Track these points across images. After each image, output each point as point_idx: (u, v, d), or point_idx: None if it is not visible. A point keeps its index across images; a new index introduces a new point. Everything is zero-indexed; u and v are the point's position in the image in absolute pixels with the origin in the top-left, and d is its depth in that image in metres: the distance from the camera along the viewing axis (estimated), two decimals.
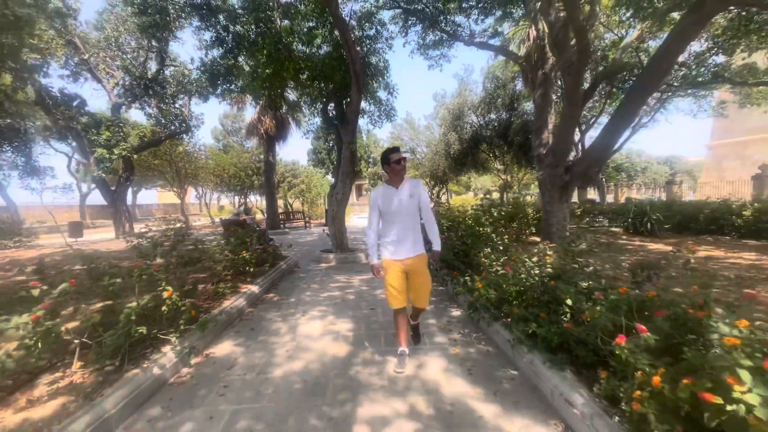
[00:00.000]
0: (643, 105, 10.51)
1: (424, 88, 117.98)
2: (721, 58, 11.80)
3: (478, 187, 42.75)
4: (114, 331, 2.66)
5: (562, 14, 6.93)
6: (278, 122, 15.53)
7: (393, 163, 2.92)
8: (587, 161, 7.21)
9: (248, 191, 22.61)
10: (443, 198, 27.09)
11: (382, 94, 11.48)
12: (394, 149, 3.00)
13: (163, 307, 3.12)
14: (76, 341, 2.68)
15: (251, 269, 5.69)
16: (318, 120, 13.03)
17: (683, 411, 1.56)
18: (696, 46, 12.10)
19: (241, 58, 10.29)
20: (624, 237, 9.35)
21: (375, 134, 15.01)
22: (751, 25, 8.15)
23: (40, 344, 2.35)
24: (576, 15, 5.82)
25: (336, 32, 8.35)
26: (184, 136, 13.93)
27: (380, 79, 10.93)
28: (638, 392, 1.71)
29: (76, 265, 5.84)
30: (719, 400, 1.44)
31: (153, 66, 12.43)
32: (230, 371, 2.99)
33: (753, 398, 1.39)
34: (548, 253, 3.93)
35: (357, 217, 23.41)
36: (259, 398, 2.58)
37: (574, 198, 24.88)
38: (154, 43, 11.63)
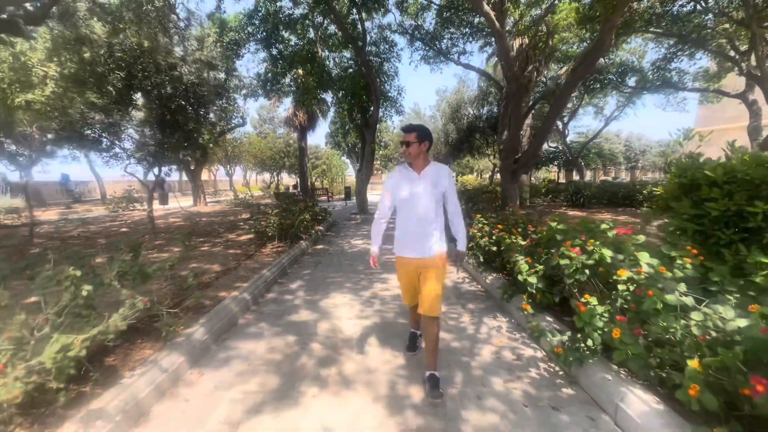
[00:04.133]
0: (555, 121, 13.92)
1: (431, 82, 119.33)
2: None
3: (480, 168, 46.18)
4: (291, 228, 6.76)
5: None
6: (309, 115, 19.34)
7: (400, 143, 2.43)
8: (527, 157, 11.02)
9: (281, 170, 26.72)
10: None
11: (392, 94, 15.31)
12: (403, 127, 2.45)
13: (304, 223, 7.19)
14: (270, 233, 6.78)
15: (318, 218, 9.76)
16: (332, 111, 17.08)
17: None
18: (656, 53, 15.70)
19: (287, 77, 14.06)
20: (563, 209, 13.19)
21: (386, 121, 18.53)
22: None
23: (269, 231, 6.46)
24: (511, 67, 9.55)
25: (360, 54, 12.09)
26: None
27: (391, 83, 14.76)
28: None
29: (206, 217, 10.00)
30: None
31: (222, 75, 16.22)
32: (329, 253, 7.06)
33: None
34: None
35: (370, 193, 27.59)
36: (342, 258, 6.64)
37: (562, 179, 28.46)
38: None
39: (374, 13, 12.36)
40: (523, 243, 3.88)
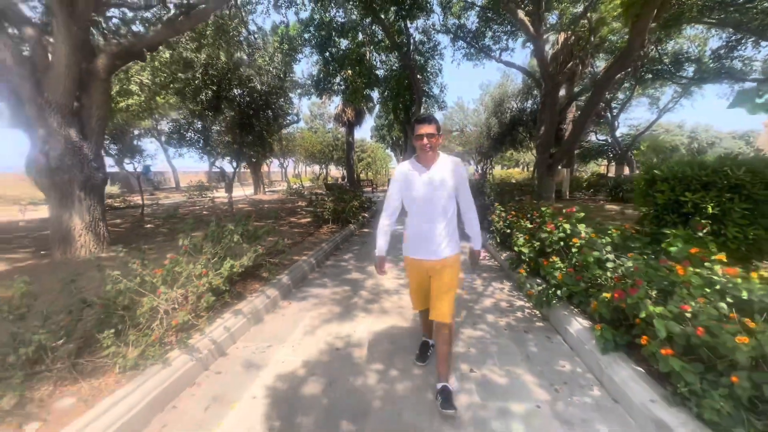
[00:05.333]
0: (590, 117, 13.89)
1: (475, 75, 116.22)
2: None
3: (526, 161, 45.37)
4: (342, 213, 8.10)
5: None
6: (357, 112, 20.78)
7: (415, 137, 2.15)
8: (561, 151, 11.52)
9: (329, 163, 28.66)
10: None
11: (435, 91, 16.22)
12: (422, 118, 2.16)
13: (353, 209, 8.51)
14: (326, 217, 8.16)
15: (365, 206, 11.08)
16: (378, 107, 18.33)
17: None
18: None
19: (338, 77, 15.44)
20: (600, 202, 13.43)
21: (434, 113, 19.56)
22: None
23: (325, 215, 7.84)
24: (546, 67, 10.13)
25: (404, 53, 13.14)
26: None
27: (434, 80, 15.65)
28: None
29: (268, 204, 11.66)
30: None
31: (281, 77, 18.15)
32: (372, 235, 8.31)
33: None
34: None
35: None
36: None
37: (612, 173, 27.62)
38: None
39: (419, 16, 13.32)
40: (530, 226, 4.83)
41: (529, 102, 22.09)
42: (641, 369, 2.28)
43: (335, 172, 35.76)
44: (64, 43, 4.63)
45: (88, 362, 2.31)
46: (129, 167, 18.95)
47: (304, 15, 12.99)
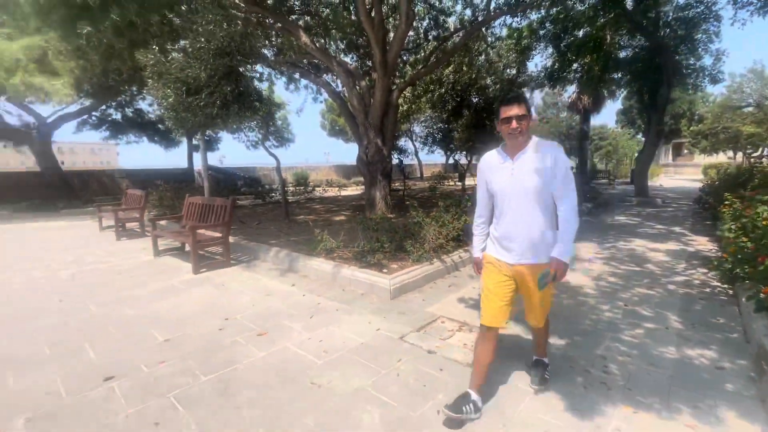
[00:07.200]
0: None
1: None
2: None
3: None
4: None
5: None
6: (594, 98, 19.41)
7: (501, 121, 1.89)
8: None
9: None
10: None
11: (707, 61, 13.47)
12: (510, 98, 1.91)
13: None
14: None
15: (587, 196, 11.25)
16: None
17: None
18: None
19: (574, 65, 15.24)
20: None
21: (704, 87, 15.70)
22: None
23: None
24: None
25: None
26: None
27: (704, 50, 13.04)
28: None
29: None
30: None
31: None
32: (588, 222, 8.78)
33: None
34: None
35: (665, 176, 23.80)
36: (599, 226, 8.24)
37: None
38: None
39: None
40: None
41: None
42: None
43: (570, 161, 33.55)
44: (380, 89, 7.90)
45: (400, 254, 4.87)
46: (395, 161, 25.16)
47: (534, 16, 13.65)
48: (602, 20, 13.83)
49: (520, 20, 12.87)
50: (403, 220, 5.14)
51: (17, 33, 8.86)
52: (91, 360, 2.79)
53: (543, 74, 17.59)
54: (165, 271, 5.23)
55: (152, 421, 2.08)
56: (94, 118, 16.41)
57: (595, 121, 30.29)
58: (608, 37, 13.25)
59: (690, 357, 2.66)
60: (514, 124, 1.83)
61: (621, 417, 2.03)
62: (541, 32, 15.10)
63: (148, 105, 16.79)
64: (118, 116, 16.97)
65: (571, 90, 19.83)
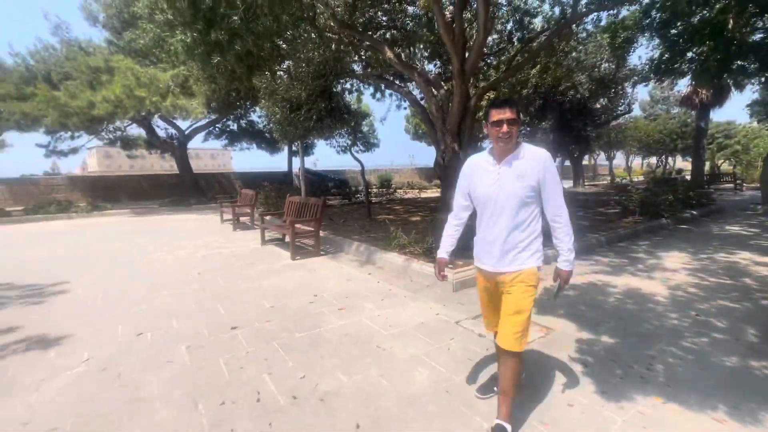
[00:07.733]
0: None
1: None
2: None
3: None
4: (651, 206, 8.36)
5: None
6: (715, 91, 16.74)
7: (491, 124, 1.86)
8: None
9: (669, 154, 24.36)
10: None
11: None
12: (500, 102, 1.88)
13: (666, 202, 8.49)
14: (632, 207, 8.60)
15: (692, 201, 9.98)
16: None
17: None
18: None
19: (688, 55, 13.49)
20: None
21: None
22: None
23: (630, 205, 8.42)
24: None
25: None
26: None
27: None
28: None
29: (582, 196, 12.56)
30: None
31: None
32: (689, 230, 7.93)
33: None
34: None
35: None
36: (700, 236, 7.41)
37: None
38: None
39: None
40: None
41: None
42: None
43: (684, 163, 29.33)
44: (458, 95, 8.26)
45: (466, 252, 5.23)
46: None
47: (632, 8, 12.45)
48: (723, 2, 12.04)
49: (616, 14, 11.94)
50: (470, 222, 5.49)
51: (169, 66, 11.30)
52: (221, 315, 3.82)
53: (648, 67, 15.91)
54: (269, 257, 6.41)
55: (263, 357, 2.90)
56: (217, 128, 19.70)
57: (717, 116, 25.83)
58: (730, 21, 11.50)
59: (751, 367, 2.62)
60: (504, 128, 1.81)
61: (648, 404, 2.21)
62: (645, 22, 13.71)
63: (257, 117, 19.55)
64: (234, 127, 20.07)
65: (683, 83, 17.45)
